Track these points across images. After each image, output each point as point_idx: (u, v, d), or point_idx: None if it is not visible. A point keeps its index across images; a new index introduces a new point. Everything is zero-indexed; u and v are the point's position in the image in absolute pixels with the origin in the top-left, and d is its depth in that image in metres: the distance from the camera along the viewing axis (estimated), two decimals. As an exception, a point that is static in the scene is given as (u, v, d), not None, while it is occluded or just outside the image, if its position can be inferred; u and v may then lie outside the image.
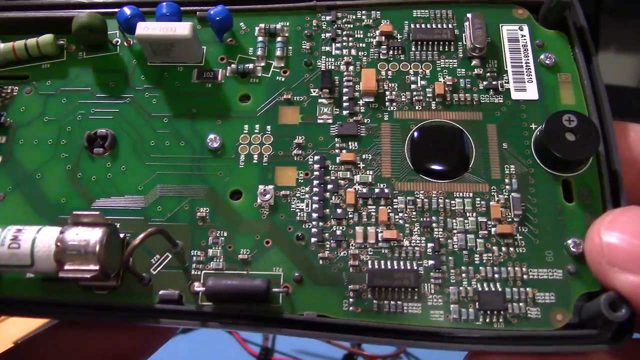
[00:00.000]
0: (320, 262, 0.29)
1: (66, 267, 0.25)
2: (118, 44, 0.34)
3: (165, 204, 0.30)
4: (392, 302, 0.28)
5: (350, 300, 0.28)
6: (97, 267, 0.25)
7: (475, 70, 0.32)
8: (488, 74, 0.32)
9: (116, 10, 0.33)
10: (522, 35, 0.33)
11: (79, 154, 0.31)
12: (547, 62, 0.32)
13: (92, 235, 0.26)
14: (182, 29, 0.31)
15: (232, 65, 0.33)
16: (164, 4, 0.32)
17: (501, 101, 0.32)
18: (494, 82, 0.32)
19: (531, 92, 0.32)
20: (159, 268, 0.29)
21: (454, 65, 0.33)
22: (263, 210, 0.30)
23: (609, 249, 0.24)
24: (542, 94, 0.31)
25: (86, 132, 0.31)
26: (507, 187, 0.30)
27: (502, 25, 0.33)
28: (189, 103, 0.32)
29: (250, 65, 0.33)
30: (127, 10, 0.32)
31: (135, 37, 0.31)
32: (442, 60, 0.33)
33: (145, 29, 0.31)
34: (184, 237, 0.29)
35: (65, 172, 0.31)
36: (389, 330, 0.27)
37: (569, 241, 0.28)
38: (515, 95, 0.32)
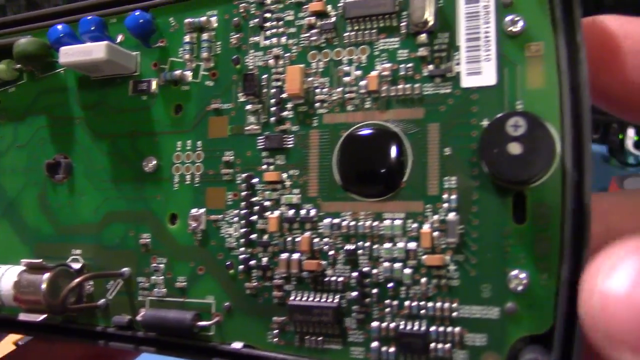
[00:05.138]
0: (248, 291, 0.32)
1: (21, 316, 0.33)
2: (65, 58, 0.38)
3: (115, 229, 0.36)
4: (312, 338, 0.30)
5: (275, 332, 0.31)
6: (45, 315, 0.33)
7: (420, 50, 0.30)
8: (436, 55, 0.29)
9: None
10: (485, -8, 0.29)
11: (45, 181, 0.38)
12: (513, 28, 0.28)
13: (37, 281, 0.33)
14: (97, 51, 0.34)
15: (162, 74, 0.35)
16: (87, 18, 0.35)
17: (448, 91, 0.29)
18: (441, 66, 0.29)
19: (487, 75, 0.28)
20: (114, 293, 0.35)
21: (395, 46, 0.30)
22: (196, 236, 0.33)
23: (607, 319, 0.19)
24: (502, 76, 0.28)
25: (45, 161, 0.37)
26: (445, 205, 0.28)
27: (459, -19, 0.29)
28: (129, 119, 0.36)
29: (178, 72, 0.35)
30: (58, 28, 0.36)
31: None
32: (381, 41, 0.31)
33: (66, 55, 0.35)
34: (132, 263, 0.35)
35: (36, 199, 0.38)
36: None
37: (512, 273, 0.27)
38: (466, 82, 0.29)
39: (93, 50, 0.34)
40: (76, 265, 0.35)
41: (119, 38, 0.36)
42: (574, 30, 0.27)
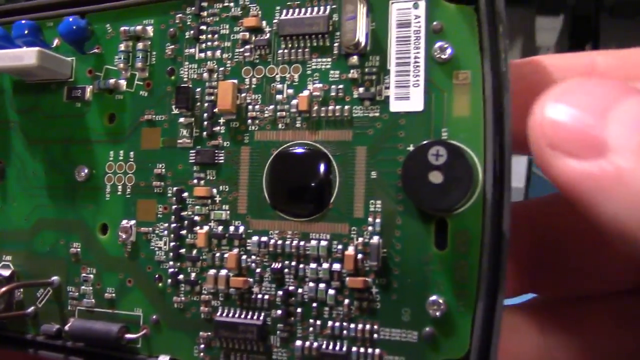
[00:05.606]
0: (175, 305, 0.32)
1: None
2: None
3: (46, 237, 0.35)
4: (237, 354, 0.30)
5: (201, 346, 0.31)
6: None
7: (351, 72, 0.29)
8: (366, 77, 0.29)
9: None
10: (416, 17, 0.29)
11: (-24, 186, 0.37)
12: (441, 55, 0.28)
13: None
14: (28, 57, 0.33)
15: (96, 82, 0.34)
16: (21, 23, 0.34)
17: (377, 114, 0.29)
18: (371, 89, 0.29)
19: (415, 101, 0.28)
20: (44, 302, 0.34)
21: (327, 67, 0.30)
22: (126, 248, 0.33)
23: (551, 128, 0.22)
24: (429, 102, 0.28)
25: (-24, 165, 0.36)
26: (370, 228, 0.28)
27: (392, 3, 0.29)
28: (62, 126, 0.35)
29: (112, 81, 0.34)
30: (-8, 30, 0.34)
31: (-9, 68, 0.34)
32: (314, 60, 0.30)
33: (-4, 59, 0.33)
34: (62, 271, 0.34)
35: (-33, 203, 0.37)
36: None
37: (431, 299, 0.27)
38: (394, 106, 0.29)
39: (24, 56, 0.33)
40: (5, 272, 0.35)
41: (55, 42, 0.36)
42: (499, 60, 0.27)
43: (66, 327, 0.33)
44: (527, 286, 0.34)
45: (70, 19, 0.33)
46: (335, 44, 0.30)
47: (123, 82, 0.34)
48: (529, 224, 0.32)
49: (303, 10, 0.31)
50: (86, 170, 0.34)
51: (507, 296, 0.29)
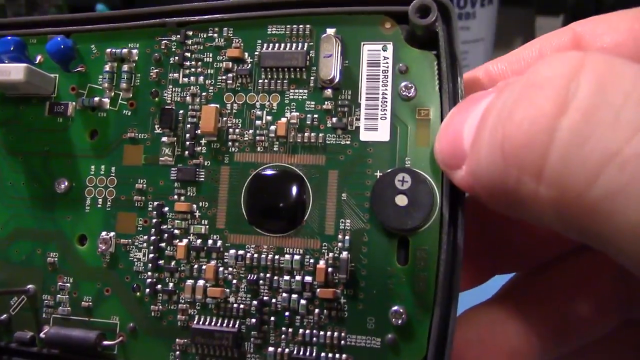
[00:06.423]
0: (152, 314, 0.34)
1: None
2: (-21, 72, 0.37)
3: (22, 246, 0.36)
4: None
5: (177, 353, 0.33)
6: None
7: (326, 103, 0.33)
8: (339, 109, 0.32)
9: None
10: (385, 58, 0.32)
11: (-51, 194, 0.37)
12: (406, 93, 0.32)
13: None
14: (16, 73, 0.34)
15: (80, 99, 0.36)
16: (7, 39, 0.35)
17: (348, 142, 0.32)
18: (343, 120, 0.32)
19: (382, 132, 0.32)
20: (17, 309, 0.35)
21: (304, 97, 0.33)
22: (105, 258, 0.34)
23: (439, 152, 0.28)
24: (394, 134, 0.31)
25: (-50, 174, 0.37)
26: (340, 244, 0.31)
27: (363, 44, 0.32)
28: (42, 140, 0.36)
29: (97, 99, 0.35)
30: (-25, 44, 0.35)
31: (-25, 81, 0.35)
32: (292, 91, 0.33)
33: (-19, 73, 0.34)
34: (37, 280, 0.35)
35: (-60, 211, 0.37)
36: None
37: (393, 308, 0.30)
38: (364, 136, 0.32)
39: (12, 71, 0.34)
40: (-22, 281, 0.35)
41: (38, 58, 0.37)
42: (457, 100, 0.31)
43: (42, 334, 0.34)
44: (489, 270, 0.38)
45: (59, 38, 0.35)
46: (312, 77, 0.33)
47: (107, 101, 0.36)
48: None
49: (283, 45, 0.34)
50: (66, 183, 0.35)
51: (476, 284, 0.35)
